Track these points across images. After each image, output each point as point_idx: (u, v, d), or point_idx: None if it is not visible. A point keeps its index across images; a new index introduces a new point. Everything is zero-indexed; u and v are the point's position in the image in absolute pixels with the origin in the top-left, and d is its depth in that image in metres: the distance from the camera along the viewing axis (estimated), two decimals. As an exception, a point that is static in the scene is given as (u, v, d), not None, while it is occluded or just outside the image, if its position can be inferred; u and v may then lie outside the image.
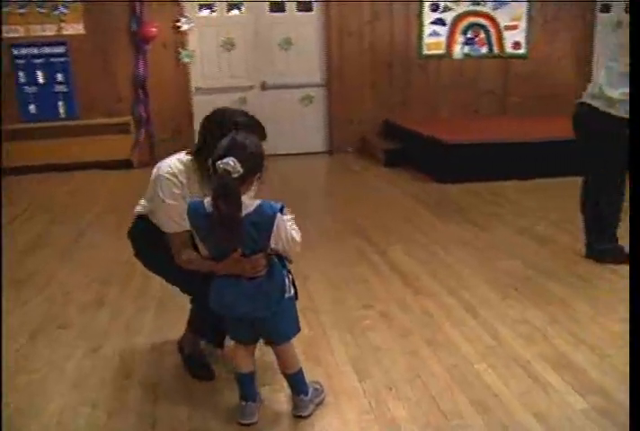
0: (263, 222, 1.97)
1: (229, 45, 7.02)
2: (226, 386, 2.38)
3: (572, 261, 3.65)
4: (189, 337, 2.58)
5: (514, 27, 7.43)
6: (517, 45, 7.47)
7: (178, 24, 6.65)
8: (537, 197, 5.15)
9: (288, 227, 2.03)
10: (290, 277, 2.13)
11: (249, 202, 1.98)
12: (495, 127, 6.71)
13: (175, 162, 2.26)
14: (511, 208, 4.84)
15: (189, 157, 2.28)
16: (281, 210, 1.99)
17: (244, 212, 1.93)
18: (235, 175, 1.88)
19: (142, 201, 2.44)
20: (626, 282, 2.62)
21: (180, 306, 2.71)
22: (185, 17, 6.68)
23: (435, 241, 4.10)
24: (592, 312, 2.94)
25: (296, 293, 2.19)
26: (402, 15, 7.17)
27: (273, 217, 1.97)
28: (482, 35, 7.38)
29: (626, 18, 7.73)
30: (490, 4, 7.32)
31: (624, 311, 2.78)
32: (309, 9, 7.09)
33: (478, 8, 7.32)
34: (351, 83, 7.16)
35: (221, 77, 7.07)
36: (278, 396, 2.32)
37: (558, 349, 2.60)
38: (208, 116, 2.28)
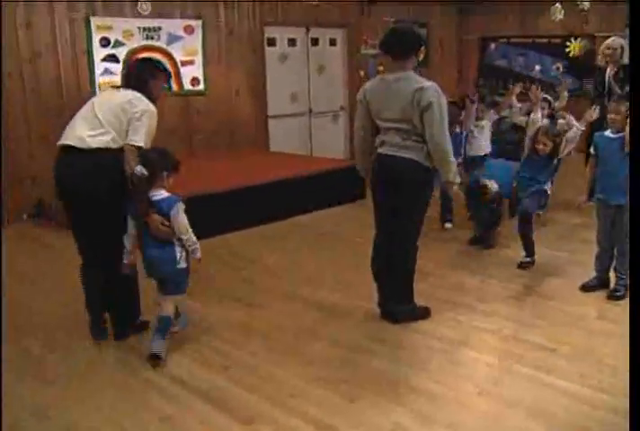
0: (168, 205, 3.12)
1: None
2: None
3: (373, 328, 3.56)
4: None
5: (191, 62, 7.05)
6: (195, 81, 7.12)
7: None
8: (274, 248, 5.06)
9: (183, 216, 3.16)
10: (183, 254, 3.21)
11: (159, 191, 3.14)
12: (191, 172, 6.31)
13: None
14: (261, 269, 4.62)
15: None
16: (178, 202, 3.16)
17: (156, 197, 3.11)
18: (144, 178, 3.04)
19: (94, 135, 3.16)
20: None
21: None
22: None
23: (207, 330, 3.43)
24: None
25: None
26: (68, 52, 6.15)
27: (171, 204, 3.12)
28: (159, 72, 6.81)
29: (290, 51, 8.03)
30: (164, 39, 6.77)
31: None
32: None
33: (152, 43, 6.71)
34: (15, 135, 5.93)
35: None
36: None
37: None
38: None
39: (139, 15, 6.56)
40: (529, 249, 4.50)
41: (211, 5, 7.12)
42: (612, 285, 4.00)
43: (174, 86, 6.94)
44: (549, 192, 4.62)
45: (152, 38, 6.70)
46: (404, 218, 3.41)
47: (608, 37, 8.78)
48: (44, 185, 6.16)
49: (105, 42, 6.37)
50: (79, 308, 3.51)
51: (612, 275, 4.01)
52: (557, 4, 7.01)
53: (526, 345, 3.31)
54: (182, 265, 3.23)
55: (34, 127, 6.01)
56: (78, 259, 3.44)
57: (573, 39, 9.13)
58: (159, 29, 6.73)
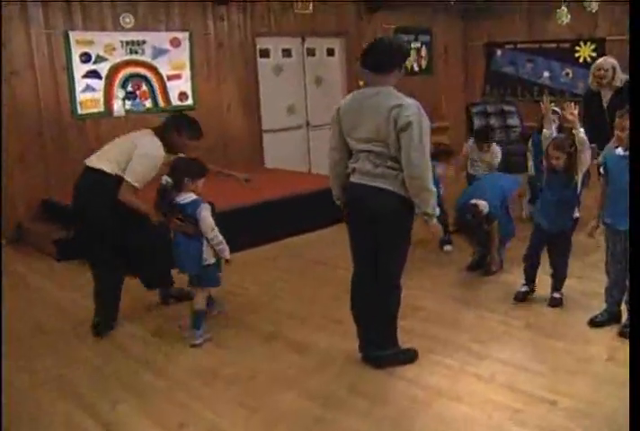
0: (192, 208, 3.44)
1: None
2: None
3: (353, 375, 3.17)
4: None
5: (178, 76, 6.75)
6: (183, 96, 6.81)
7: None
8: (258, 277, 4.54)
9: (207, 215, 3.45)
10: (210, 251, 3.50)
11: (187, 195, 3.47)
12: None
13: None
14: (241, 304, 4.17)
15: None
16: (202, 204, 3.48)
17: (183, 201, 3.46)
18: (169, 185, 3.47)
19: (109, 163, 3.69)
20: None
21: None
22: None
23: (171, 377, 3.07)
24: None
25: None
26: (46, 69, 5.87)
27: (197, 206, 3.44)
28: (144, 87, 6.52)
29: (285, 62, 7.70)
30: (149, 53, 6.48)
31: None
32: None
33: (136, 57, 6.41)
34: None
35: None
36: None
37: None
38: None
39: (122, 29, 6.27)
40: (531, 276, 4.08)
41: (198, 17, 6.81)
42: (624, 319, 3.59)
43: (161, 102, 6.64)
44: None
45: (136, 52, 6.40)
46: (381, 256, 3.03)
47: (620, 40, 8.44)
48: (22, 208, 5.92)
49: (86, 58, 6.07)
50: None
51: (624, 307, 3.61)
52: (563, 7, 6.61)
53: (523, 396, 2.90)
54: (210, 261, 3.54)
55: (11, 148, 5.72)
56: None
57: (582, 43, 8.72)
58: (143, 42, 6.44)
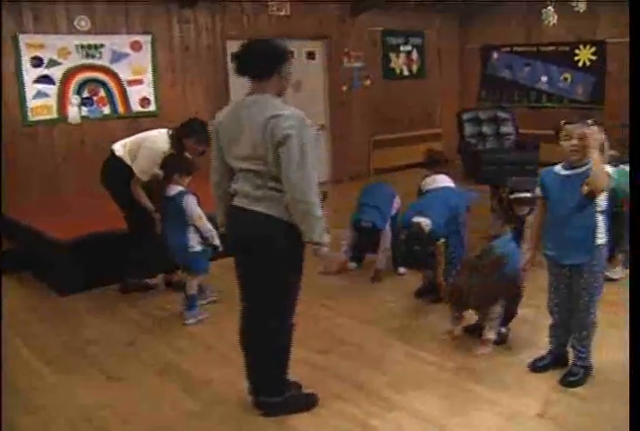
0: (179, 198, 3.80)
1: None
2: None
3: (239, 424, 2.79)
4: None
5: (139, 81, 6.43)
6: (145, 101, 6.49)
7: None
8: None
9: (193, 204, 3.79)
10: (197, 239, 3.83)
11: (174, 188, 3.84)
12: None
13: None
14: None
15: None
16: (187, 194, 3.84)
17: (170, 193, 3.83)
18: (159, 176, 3.98)
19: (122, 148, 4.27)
20: None
21: None
22: None
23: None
24: None
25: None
26: (-8, 74, 5.60)
27: (182, 196, 3.81)
28: (102, 93, 6.21)
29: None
30: (107, 57, 6.17)
31: None
32: None
33: (93, 61, 6.11)
34: None
35: None
36: None
37: None
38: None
39: (77, 32, 5.98)
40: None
41: (162, 20, 6.49)
42: (570, 364, 3.12)
43: (120, 108, 6.33)
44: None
45: (93, 56, 6.09)
46: (264, 291, 2.64)
47: (621, 43, 7.88)
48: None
49: (37, 62, 5.79)
50: None
51: (571, 350, 3.14)
52: (550, 7, 6.11)
53: (420, 461, 2.48)
54: (196, 249, 3.84)
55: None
56: None
57: (582, 46, 8.18)
58: (101, 46, 6.12)
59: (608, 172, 2.79)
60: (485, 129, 8.30)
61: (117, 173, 4.23)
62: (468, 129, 8.27)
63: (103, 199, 4.49)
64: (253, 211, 2.55)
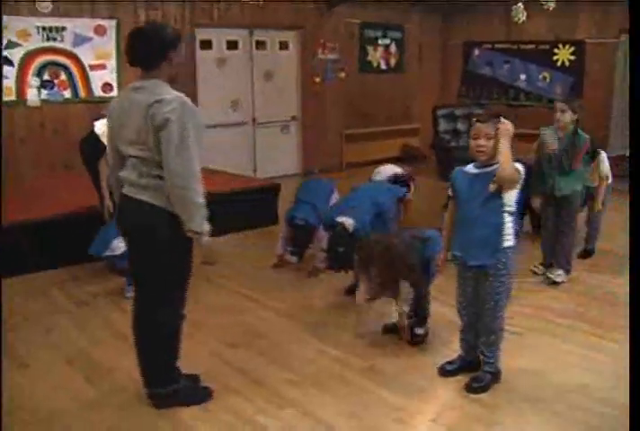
0: None
1: None
2: None
3: (129, 416, 2.72)
4: None
5: (102, 66, 6.37)
6: (107, 87, 6.43)
7: None
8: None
9: None
10: None
11: None
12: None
13: None
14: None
15: None
16: None
17: None
18: None
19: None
20: None
21: None
22: None
23: None
24: None
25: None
26: (-53, 54, 5.55)
27: None
28: (63, 76, 6.16)
29: (230, 55, 7.28)
30: (69, 40, 6.11)
31: None
32: None
33: (54, 44, 6.05)
34: None
35: None
36: None
37: None
38: None
39: (38, 14, 5.92)
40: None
41: (128, 5, 6.41)
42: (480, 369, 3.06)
43: (82, 92, 6.28)
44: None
45: (54, 39, 6.04)
46: (149, 281, 2.59)
47: (601, 44, 7.77)
48: None
49: (-5, 42, 5.75)
50: None
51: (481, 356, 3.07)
52: (520, 4, 6.01)
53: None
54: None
55: None
56: None
57: (561, 46, 8.06)
58: (63, 29, 6.07)
59: (516, 167, 2.73)
60: (460, 126, 8.21)
61: (92, 150, 4.24)
62: (443, 125, 8.19)
63: (59, 184, 4.46)
64: (139, 200, 2.51)
